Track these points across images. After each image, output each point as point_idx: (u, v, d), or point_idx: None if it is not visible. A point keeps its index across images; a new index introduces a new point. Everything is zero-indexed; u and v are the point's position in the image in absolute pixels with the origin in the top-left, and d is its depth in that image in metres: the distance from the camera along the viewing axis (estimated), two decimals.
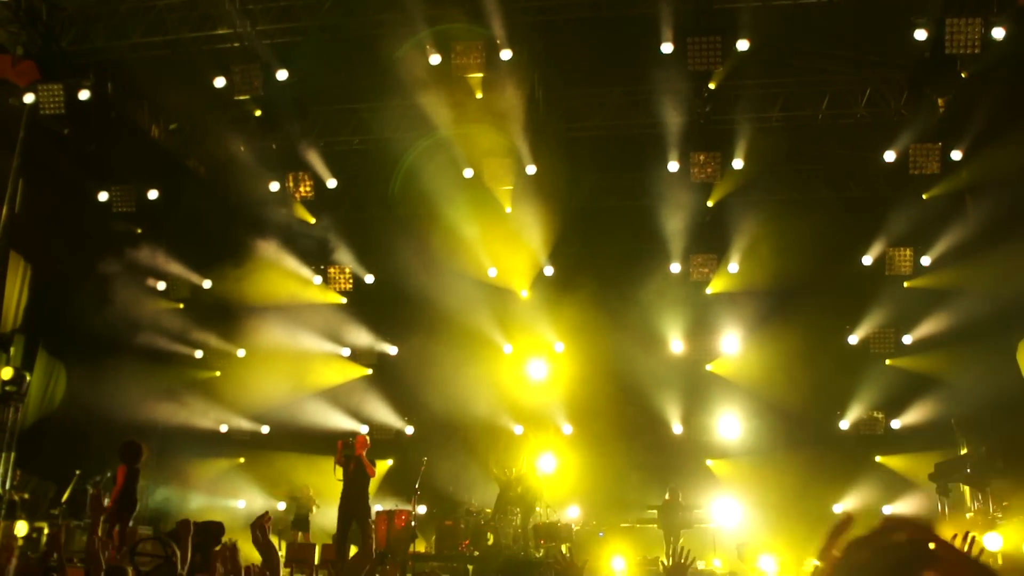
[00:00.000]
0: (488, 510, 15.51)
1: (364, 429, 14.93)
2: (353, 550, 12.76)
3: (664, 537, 15.40)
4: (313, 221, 19.12)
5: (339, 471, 13.34)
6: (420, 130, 17.29)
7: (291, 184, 18.11)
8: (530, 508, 15.41)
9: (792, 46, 16.28)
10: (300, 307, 19.24)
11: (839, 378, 18.27)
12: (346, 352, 20.07)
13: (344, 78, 17.26)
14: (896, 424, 18.22)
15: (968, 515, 14.81)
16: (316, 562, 13.93)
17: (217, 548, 5.49)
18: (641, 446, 18.53)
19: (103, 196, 17.31)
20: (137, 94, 17.57)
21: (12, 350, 15.64)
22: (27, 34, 15.43)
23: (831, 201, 18.64)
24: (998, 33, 13.50)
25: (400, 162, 18.46)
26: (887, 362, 18.33)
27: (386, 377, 19.66)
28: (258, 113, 16.68)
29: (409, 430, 19.58)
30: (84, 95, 15.58)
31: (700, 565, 15.01)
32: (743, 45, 14.59)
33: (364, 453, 13.31)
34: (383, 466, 17.79)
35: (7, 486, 14.52)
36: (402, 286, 18.25)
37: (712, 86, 15.79)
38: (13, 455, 14.86)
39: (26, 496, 14.59)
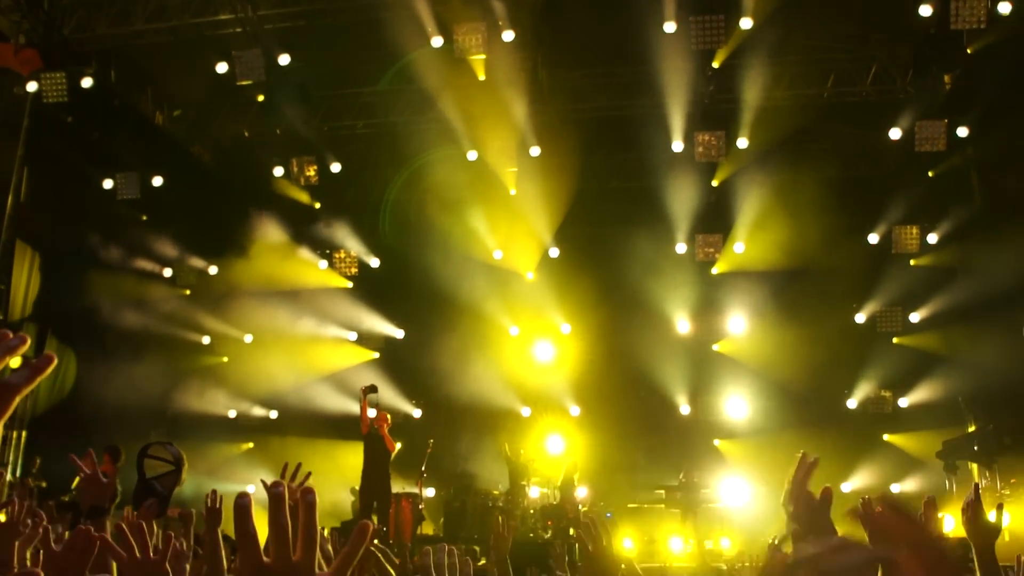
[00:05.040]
0: (496, 491, 15.56)
1: (372, 413, 15.02)
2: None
3: (681, 516, 15.54)
4: (318, 206, 19.11)
5: (368, 438, 13.54)
6: (424, 114, 17.32)
7: (295, 169, 18.09)
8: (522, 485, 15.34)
9: (796, 23, 16.17)
10: (306, 292, 19.26)
11: (846, 357, 18.22)
12: (353, 336, 20.11)
13: (347, 62, 17.24)
14: (904, 402, 18.18)
15: None
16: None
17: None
18: (648, 427, 18.56)
19: (108, 183, 17.28)
20: (140, 81, 17.55)
21: None
22: (29, 22, 15.43)
23: (836, 179, 18.52)
24: (1004, 8, 13.42)
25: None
26: (894, 340, 18.27)
27: (393, 360, 19.66)
28: (261, 98, 16.69)
29: (416, 413, 19.64)
30: (87, 83, 15.61)
31: (708, 544, 15.13)
32: (747, 23, 14.52)
33: (386, 430, 13.49)
34: None
35: (17, 473, 14.62)
36: (408, 270, 18.28)
37: (716, 65, 15.73)
38: (24, 442, 14.97)
39: (43, 484, 14.69)
